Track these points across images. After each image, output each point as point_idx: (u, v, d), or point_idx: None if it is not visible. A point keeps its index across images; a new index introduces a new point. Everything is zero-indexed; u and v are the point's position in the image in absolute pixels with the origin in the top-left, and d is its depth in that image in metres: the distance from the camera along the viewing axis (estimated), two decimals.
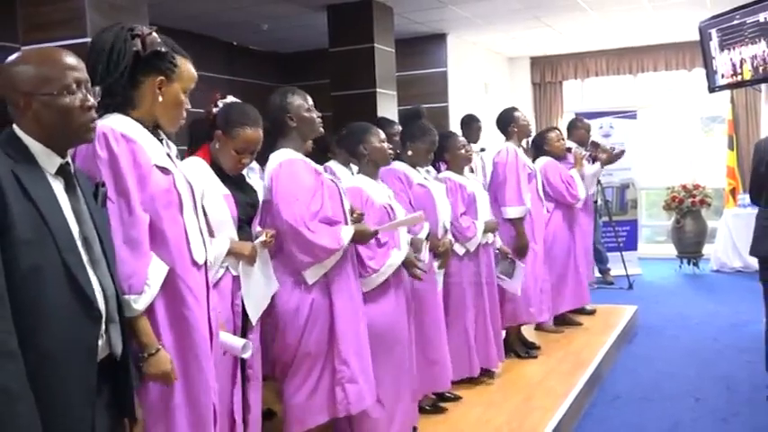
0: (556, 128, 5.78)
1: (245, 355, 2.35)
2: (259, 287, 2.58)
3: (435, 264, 3.56)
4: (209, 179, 2.53)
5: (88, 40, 3.38)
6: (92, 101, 1.62)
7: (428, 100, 7.49)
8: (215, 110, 2.70)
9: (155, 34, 1.93)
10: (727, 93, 8.49)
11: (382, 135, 3.26)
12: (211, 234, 2.37)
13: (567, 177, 5.20)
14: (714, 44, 7.01)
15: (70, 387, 1.51)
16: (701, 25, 7.11)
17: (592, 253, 6.00)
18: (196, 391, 1.92)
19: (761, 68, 6.51)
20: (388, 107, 6.42)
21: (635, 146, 8.25)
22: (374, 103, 6.34)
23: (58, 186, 1.58)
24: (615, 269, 7.46)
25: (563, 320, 5.36)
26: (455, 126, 6.42)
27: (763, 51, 6.43)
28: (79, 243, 1.57)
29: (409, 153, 3.71)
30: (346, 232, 2.75)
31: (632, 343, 5.43)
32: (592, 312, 5.68)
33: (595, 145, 5.87)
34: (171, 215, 1.90)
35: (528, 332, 4.98)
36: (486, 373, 4.12)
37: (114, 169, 1.82)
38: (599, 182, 6.33)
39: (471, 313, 3.92)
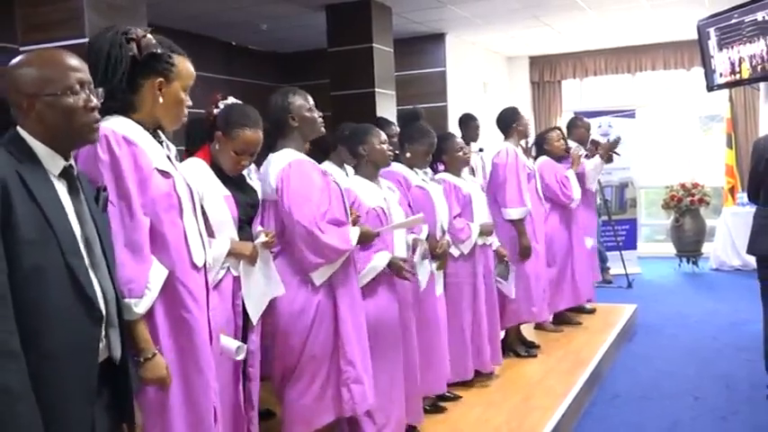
0: (557, 128, 5.77)
1: (239, 358, 2.37)
2: (259, 287, 2.58)
3: (434, 265, 3.55)
4: (209, 180, 2.54)
5: (86, 40, 3.37)
6: (95, 101, 1.62)
7: (427, 100, 7.50)
8: (215, 111, 2.71)
9: (149, 36, 1.92)
10: (726, 91, 8.51)
11: (383, 136, 3.24)
12: (211, 235, 2.38)
13: (562, 178, 5.20)
14: (712, 43, 7.02)
15: (71, 387, 1.51)
16: (699, 24, 7.13)
17: (596, 251, 5.98)
18: (195, 393, 1.92)
19: (759, 67, 6.53)
20: (387, 107, 6.42)
21: (634, 145, 8.26)
22: (373, 102, 6.34)
23: (61, 188, 1.58)
24: (614, 268, 7.49)
25: (562, 319, 5.37)
26: (454, 126, 6.42)
27: (762, 50, 6.45)
28: (81, 245, 1.57)
29: (407, 155, 3.70)
30: (354, 233, 2.74)
31: (632, 342, 5.44)
32: (591, 311, 5.69)
33: (595, 144, 5.88)
34: (171, 218, 1.90)
35: (527, 331, 4.98)
36: (484, 374, 4.09)
37: (116, 172, 1.82)
38: (598, 181, 6.32)
39: (468, 315, 3.89)
